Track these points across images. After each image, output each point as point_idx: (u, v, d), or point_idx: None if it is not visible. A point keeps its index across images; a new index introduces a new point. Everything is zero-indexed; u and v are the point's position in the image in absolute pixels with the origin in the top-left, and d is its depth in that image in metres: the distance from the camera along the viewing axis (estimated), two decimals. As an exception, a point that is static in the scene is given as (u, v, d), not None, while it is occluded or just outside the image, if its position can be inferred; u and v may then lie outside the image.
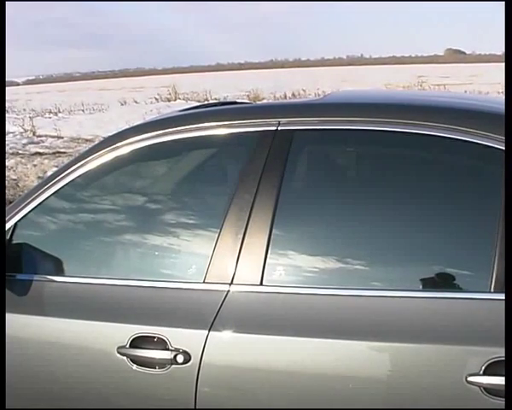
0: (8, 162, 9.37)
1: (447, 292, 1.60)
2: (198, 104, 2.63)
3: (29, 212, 1.99)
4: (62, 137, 12.37)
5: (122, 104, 20.44)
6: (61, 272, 1.95)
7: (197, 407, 1.69)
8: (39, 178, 8.15)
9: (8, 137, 11.99)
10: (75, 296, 1.89)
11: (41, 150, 10.92)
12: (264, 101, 15.16)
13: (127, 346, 1.74)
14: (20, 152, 10.67)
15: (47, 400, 1.90)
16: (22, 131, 13.14)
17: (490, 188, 1.66)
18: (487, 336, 1.50)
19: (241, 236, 1.74)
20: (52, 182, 1.99)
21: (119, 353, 1.75)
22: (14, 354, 1.87)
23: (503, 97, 1.75)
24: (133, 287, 1.84)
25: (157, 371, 1.72)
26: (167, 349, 1.70)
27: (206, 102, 3.85)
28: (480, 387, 1.46)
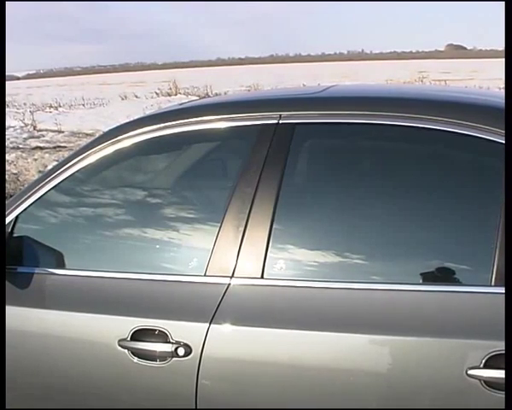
0: (9, 156, 9.36)
1: (448, 286, 1.60)
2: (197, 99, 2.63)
3: (30, 205, 1.99)
4: (63, 132, 12.35)
5: (123, 99, 20.38)
6: (61, 265, 1.95)
7: (198, 400, 1.70)
8: (40, 172, 8.14)
9: (9, 132, 11.97)
10: (76, 289, 1.89)
11: (41, 145, 10.91)
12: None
13: (128, 339, 1.75)
14: (20, 146, 10.66)
15: (47, 392, 1.91)
16: (23, 125, 13.12)
17: (491, 181, 1.65)
18: (488, 330, 1.50)
19: (242, 229, 1.74)
20: (52, 176, 1.99)
21: (120, 345, 1.75)
22: (14, 347, 1.87)
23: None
24: (134, 280, 1.84)
25: (158, 363, 1.72)
26: (168, 342, 1.71)
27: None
28: (480, 380, 1.47)
